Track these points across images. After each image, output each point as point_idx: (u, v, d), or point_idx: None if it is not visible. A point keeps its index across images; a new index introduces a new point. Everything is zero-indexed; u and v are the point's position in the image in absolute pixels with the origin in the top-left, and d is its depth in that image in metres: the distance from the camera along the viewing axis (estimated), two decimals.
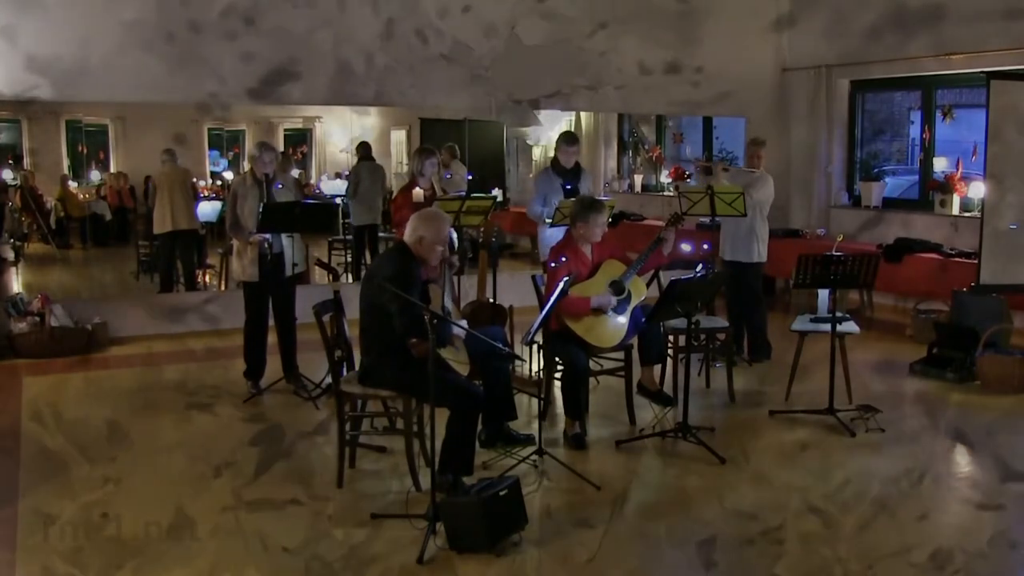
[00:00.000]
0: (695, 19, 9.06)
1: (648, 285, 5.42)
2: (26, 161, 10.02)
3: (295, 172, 10.65)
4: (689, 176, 10.66)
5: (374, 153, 10.04)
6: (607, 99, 9.05)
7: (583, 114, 11.09)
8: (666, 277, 5.68)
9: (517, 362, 5.37)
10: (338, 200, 10.13)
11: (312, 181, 11.63)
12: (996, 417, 5.54)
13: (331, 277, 5.91)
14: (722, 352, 6.19)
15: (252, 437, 5.10)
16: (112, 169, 10.44)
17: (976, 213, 7.64)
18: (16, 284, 8.87)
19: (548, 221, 6.37)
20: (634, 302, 5.10)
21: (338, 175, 11.29)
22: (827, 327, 5.37)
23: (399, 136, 11.52)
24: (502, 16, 8.28)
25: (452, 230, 4.84)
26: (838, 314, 5.44)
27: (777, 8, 9.53)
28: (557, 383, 5.31)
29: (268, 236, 5.69)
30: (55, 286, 9.03)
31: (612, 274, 5.11)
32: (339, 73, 7.85)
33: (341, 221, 9.74)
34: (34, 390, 6.13)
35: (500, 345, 4.47)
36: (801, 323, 5.79)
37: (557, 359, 5.13)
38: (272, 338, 5.99)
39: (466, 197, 6.19)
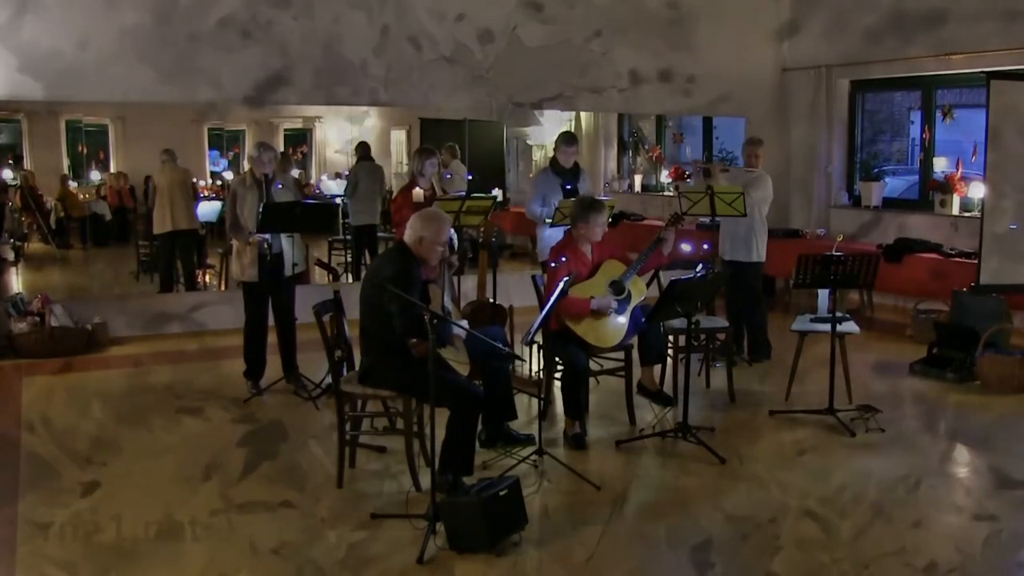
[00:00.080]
0: (696, 23, 9.06)
1: (648, 285, 5.42)
2: (26, 161, 10.02)
3: (295, 172, 10.65)
4: (689, 176, 10.66)
5: (375, 153, 10.03)
6: (609, 100, 9.05)
7: (583, 114, 11.09)
8: (666, 277, 5.68)
9: (517, 362, 5.37)
10: (338, 200, 10.12)
11: (312, 181, 11.63)
12: (996, 417, 5.54)
13: (331, 277, 5.92)
14: (722, 352, 6.19)
15: (252, 437, 5.10)
16: (112, 169, 10.42)
17: (976, 213, 7.63)
18: (16, 284, 8.87)
19: (548, 221, 6.37)
20: (634, 302, 5.10)
21: (338, 175, 11.29)
22: (827, 327, 5.37)
23: (399, 136, 11.52)
24: (496, 24, 8.27)
25: (452, 230, 4.84)
26: (838, 314, 5.44)
27: (779, 14, 9.53)
28: (557, 383, 5.31)
29: (267, 236, 5.69)
30: (55, 286, 9.02)
31: (612, 274, 5.11)
32: (337, 77, 7.85)
33: (341, 221, 9.73)
34: (34, 390, 6.13)
35: (500, 345, 4.47)
36: (801, 323, 5.79)
37: (557, 359, 5.13)
38: (272, 338, 5.99)
39: (466, 197, 6.19)
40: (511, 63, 8.29)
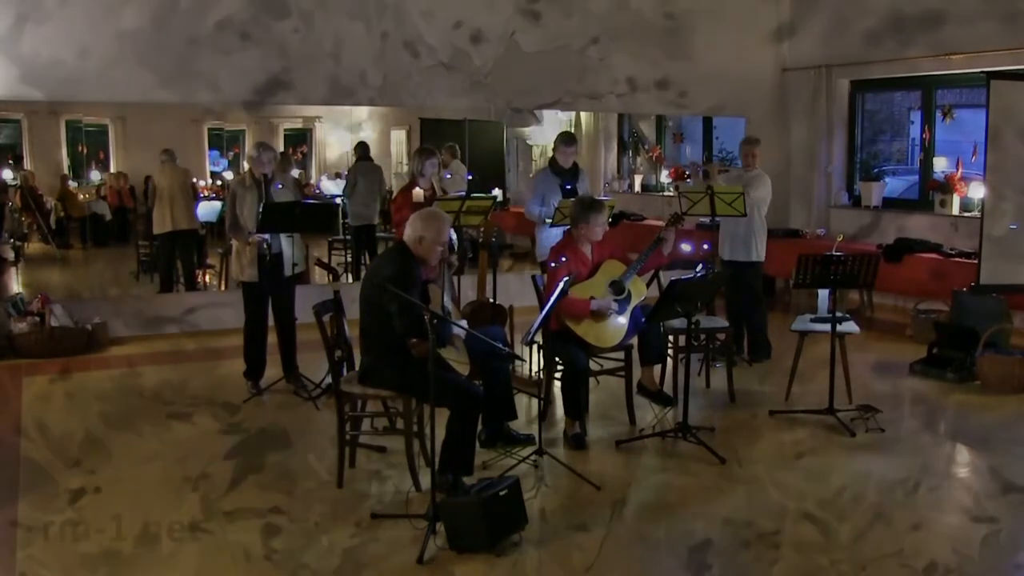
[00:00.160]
0: (696, 24, 9.04)
1: (648, 285, 5.42)
2: (26, 161, 10.02)
3: (295, 172, 10.65)
4: (688, 176, 10.67)
5: (375, 153, 10.03)
6: (607, 104, 9.05)
7: (583, 114, 11.09)
8: (666, 277, 5.68)
9: (517, 362, 5.37)
10: (338, 200, 10.13)
11: (312, 181, 11.63)
12: (996, 418, 5.54)
13: (331, 277, 5.91)
14: (722, 352, 6.19)
15: (252, 438, 5.10)
16: (112, 169, 10.43)
17: (976, 213, 7.63)
18: (16, 284, 8.87)
19: (548, 221, 6.37)
20: (634, 302, 5.10)
21: (337, 175, 11.29)
22: (827, 327, 5.37)
23: (399, 136, 11.52)
24: (494, 30, 8.26)
25: (452, 230, 4.84)
26: (838, 314, 5.44)
27: (778, 16, 9.53)
28: (557, 383, 5.31)
29: (267, 236, 5.69)
30: (55, 286, 9.03)
31: (612, 274, 5.11)
32: (334, 81, 7.85)
33: (341, 221, 9.73)
34: (33, 391, 6.13)
35: (500, 345, 4.47)
36: (801, 323, 5.79)
37: (557, 359, 5.13)
38: (272, 338, 5.99)
39: (466, 197, 6.19)
40: (509, 69, 8.28)
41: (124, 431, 5.19)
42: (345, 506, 4.13)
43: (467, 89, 8.28)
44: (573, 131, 10.16)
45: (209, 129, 10.78)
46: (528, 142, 11.42)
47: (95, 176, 10.55)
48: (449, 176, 9.54)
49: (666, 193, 10.71)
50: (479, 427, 4.40)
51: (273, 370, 6.01)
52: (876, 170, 9.54)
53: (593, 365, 5.37)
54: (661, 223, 6.48)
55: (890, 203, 9.09)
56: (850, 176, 9.47)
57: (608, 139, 11.71)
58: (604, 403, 5.61)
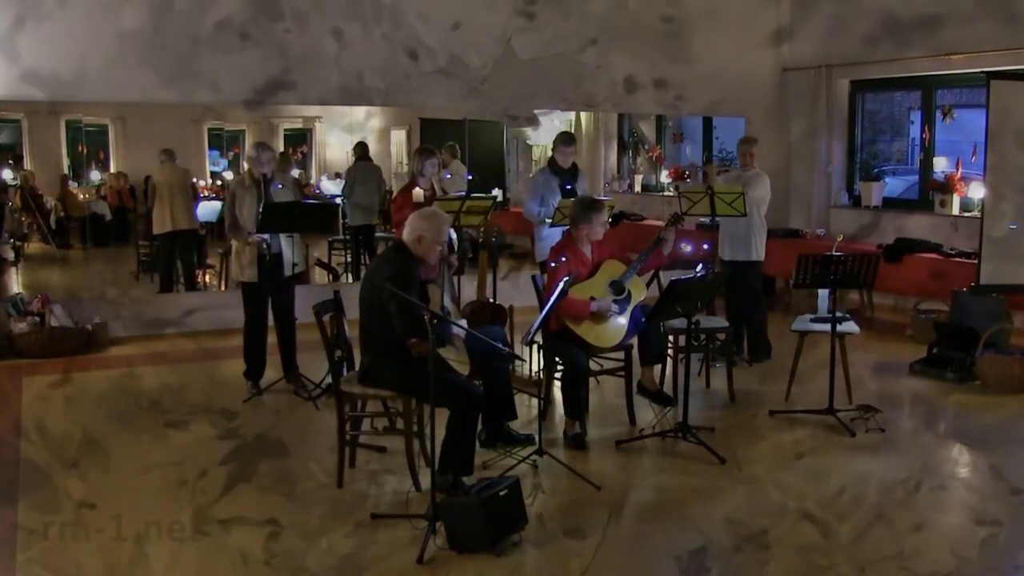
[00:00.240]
0: (695, 25, 9.04)
1: (648, 285, 5.42)
2: (26, 161, 10.02)
3: (295, 172, 10.65)
4: (688, 177, 10.68)
5: (375, 153, 10.03)
6: (606, 102, 9.05)
7: (583, 114, 11.09)
8: (666, 277, 5.68)
9: (517, 362, 5.37)
10: (338, 200, 10.12)
11: (312, 181, 11.63)
12: (996, 418, 5.54)
13: (331, 277, 5.91)
14: (722, 352, 6.19)
15: (251, 439, 5.09)
16: (112, 169, 10.43)
17: (976, 213, 7.63)
18: (16, 284, 8.87)
19: (548, 221, 6.37)
20: (634, 302, 5.10)
21: (337, 175, 11.30)
22: (827, 327, 5.37)
23: (399, 136, 11.52)
24: (493, 35, 8.26)
25: (452, 230, 4.84)
26: (838, 314, 5.44)
27: (778, 18, 9.53)
28: (557, 383, 5.31)
29: (266, 237, 5.69)
30: (55, 286, 9.03)
31: (612, 274, 5.11)
32: (332, 82, 7.85)
33: (341, 221, 9.73)
34: (33, 391, 6.13)
35: (500, 345, 4.47)
36: (801, 323, 5.79)
37: (557, 359, 5.13)
38: (272, 338, 5.99)
39: (466, 197, 6.19)
40: (506, 72, 8.26)
41: (124, 432, 5.19)
42: (345, 506, 4.13)
43: (465, 95, 8.27)
44: (573, 131, 10.17)
45: (209, 129, 10.79)
46: (528, 142, 11.43)
47: (95, 176, 10.55)
48: (449, 176, 9.54)
49: (666, 193, 10.72)
50: (479, 427, 4.40)
51: (273, 370, 6.01)
52: (876, 170, 9.53)
53: (593, 365, 5.37)
54: (661, 223, 6.48)
55: (890, 203, 9.09)
56: (850, 176, 9.47)
57: (608, 139, 11.72)
58: (604, 403, 5.61)
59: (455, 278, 5.97)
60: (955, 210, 8.22)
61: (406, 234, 4.26)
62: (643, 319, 5.01)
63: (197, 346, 7.35)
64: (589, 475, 4.43)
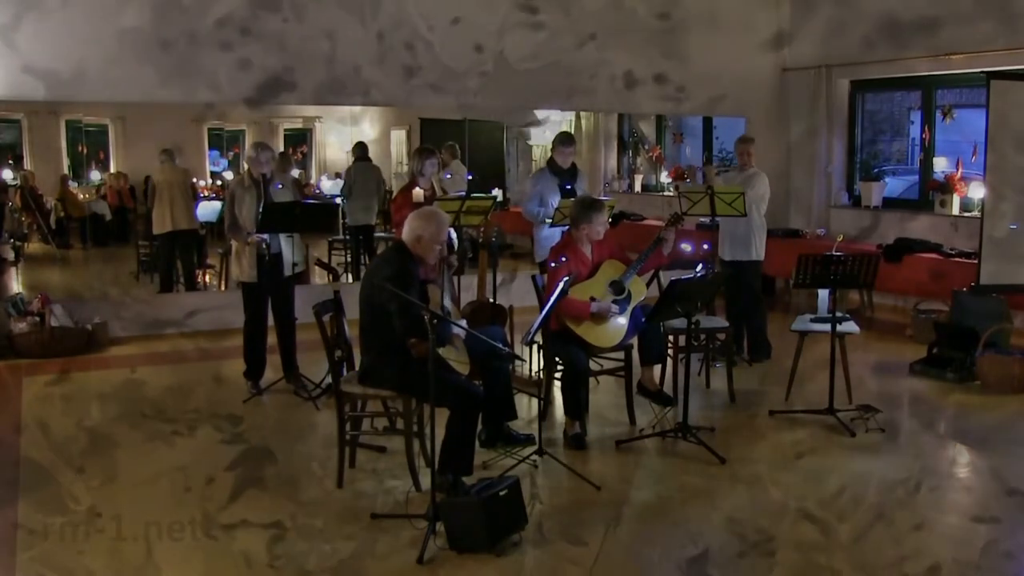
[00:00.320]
0: (694, 27, 9.04)
1: (648, 285, 5.41)
2: (26, 161, 10.03)
3: (295, 172, 10.66)
4: (687, 178, 10.69)
5: (375, 153, 10.03)
6: (606, 100, 9.04)
7: (583, 114, 11.10)
8: (666, 277, 5.68)
9: (517, 362, 5.37)
10: (338, 200, 10.13)
11: (312, 181, 11.65)
12: (996, 418, 5.54)
13: (331, 277, 5.91)
14: (722, 352, 6.19)
15: (251, 439, 5.09)
16: (112, 169, 10.45)
17: (976, 213, 7.63)
18: (16, 284, 8.88)
19: (548, 221, 6.37)
20: (634, 302, 5.09)
21: (337, 175, 11.31)
22: (827, 327, 5.37)
23: (399, 136, 11.54)
24: (491, 39, 8.25)
25: (452, 230, 4.84)
26: (838, 314, 5.44)
27: (778, 20, 9.53)
28: (557, 383, 5.31)
29: (266, 237, 5.68)
30: (55, 286, 9.04)
31: (612, 274, 5.11)
32: (333, 81, 7.85)
33: (341, 221, 9.74)
34: (34, 391, 6.12)
35: (500, 345, 4.47)
36: (801, 323, 5.79)
37: (557, 359, 5.13)
38: (272, 338, 5.99)
39: (466, 197, 6.19)
40: (505, 81, 8.25)
41: (124, 433, 5.18)
42: (345, 506, 4.13)
43: (464, 97, 8.27)
44: (573, 131, 10.18)
45: (209, 129, 10.81)
46: (528, 142, 11.44)
47: (95, 176, 10.57)
48: (449, 176, 9.55)
49: (666, 193, 10.72)
50: (479, 427, 4.39)
51: (273, 370, 6.01)
52: (876, 170, 9.54)
53: (593, 365, 5.37)
54: (661, 223, 6.48)
55: (890, 203, 9.09)
56: (850, 176, 9.47)
57: (608, 139, 11.72)
58: (604, 403, 5.61)
59: (455, 278, 5.97)
60: (955, 210, 8.22)
61: (405, 234, 4.26)
62: (643, 319, 5.01)
63: (196, 346, 7.34)
64: (589, 475, 4.43)
